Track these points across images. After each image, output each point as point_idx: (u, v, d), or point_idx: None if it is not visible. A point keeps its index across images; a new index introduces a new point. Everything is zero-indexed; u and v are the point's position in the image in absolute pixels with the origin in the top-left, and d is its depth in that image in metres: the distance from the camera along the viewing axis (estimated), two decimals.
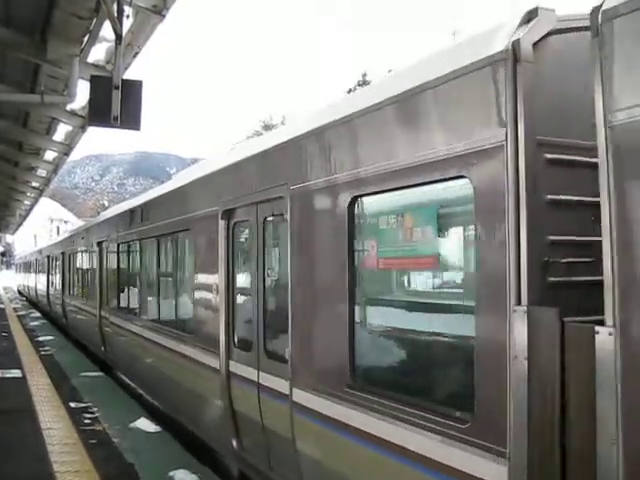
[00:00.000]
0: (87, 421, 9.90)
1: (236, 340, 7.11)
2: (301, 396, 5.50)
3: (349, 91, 39.22)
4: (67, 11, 9.85)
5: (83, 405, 11.01)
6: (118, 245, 13.69)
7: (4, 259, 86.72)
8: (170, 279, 10.42)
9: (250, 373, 6.60)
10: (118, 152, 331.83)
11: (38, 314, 32.79)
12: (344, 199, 4.93)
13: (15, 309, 36.39)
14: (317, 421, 5.25)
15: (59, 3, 9.69)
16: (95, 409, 10.70)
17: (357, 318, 4.97)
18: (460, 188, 3.93)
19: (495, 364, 3.51)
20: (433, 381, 4.54)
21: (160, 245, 10.62)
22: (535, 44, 3.51)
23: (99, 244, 15.71)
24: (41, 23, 10.68)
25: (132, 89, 8.93)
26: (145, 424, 9.70)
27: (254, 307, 6.65)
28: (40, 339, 21.26)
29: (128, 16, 9.29)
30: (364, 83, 45.67)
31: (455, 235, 4.43)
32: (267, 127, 55.13)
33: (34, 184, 26.31)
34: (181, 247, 9.70)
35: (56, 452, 8.17)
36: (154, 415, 10.51)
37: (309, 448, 5.52)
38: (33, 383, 12.87)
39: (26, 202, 32.85)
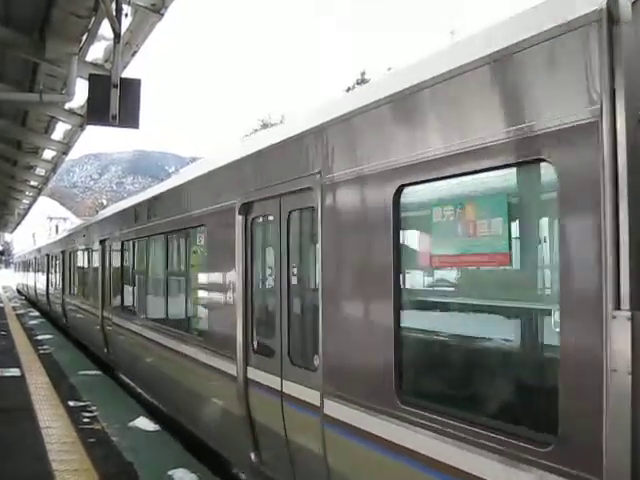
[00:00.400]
0: (86, 420, 9.90)
1: (255, 345, 6.56)
2: (334, 409, 4.93)
3: (348, 90, 39.26)
4: (66, 10, 9.84)
5: (82, 404, 11.00)
6: (122, 243, 13.17)
7: (3, 258, 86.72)
8: (180, 278, 9.84)
9: (272, 381, 6.04)
10: (117, 151, 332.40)
11: (37, 313, 32.77)
12: (389, 189, 4.33)
13: (14, 308, 36.38)
14: (354, 437, 4.68)
15: (58, 2, 9.68)
16: (94, 408, 10.69)
17: (405, 322, 4.37)
18: (539, 173, 3.45)
19: (586, 378, 3.04)
20: (504, 396, 3.93)
21: (169, 242, 10.04)
22: (634, 3, 3.02)
23: (102, 242, 15.31)
24: (40, 22, 10.68)
25: (131, 88, 8.93)
26: (144, 423, 9.69)
27: (277, 309, 6.06)
28: (39, 338, 21.24)
29: (127, 15, 9.30)
30: (363, 82, 45.68)
31: (532, 228, 3.87)
32: (265, 126, 55.18)
33: (33, 183, 26.31)
34: (193, 244, 9.03)
35: (55, 451, 8.16)
36: (153, 414, 10.51)
37: (343, 465, 4.97)
38: (32, 382, 12.86)
39: (25, 201, 32.85)
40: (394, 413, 4.22)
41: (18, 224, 48.08)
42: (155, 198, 10.85)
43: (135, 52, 10.83)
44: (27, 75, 13.19)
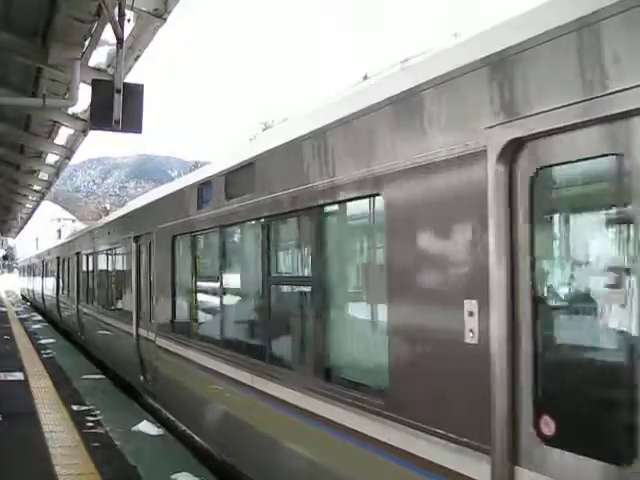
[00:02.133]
0: (89, 424, 9.90)
1: (551, 425, 3.19)
2: None
3: None
4: (68, 15, 9.89)
5: (85, 408, 11.01)
6: (173, 238, 9.61)
7: (6, 262, 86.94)
8: (303, 288, 6.19)
9: None
10: (120, 155, 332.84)
11: (40, 317, 32.82)
12: None
13: (17, 312, 36.45)
14: None
15: (60, 7, 9.73)
16: (97, 412, 10.69)
17: None
18: None
19: None
20: None
21: (271, 232, 6.54)
22: None
23: (136, 239, 11.97)
24: (42, 27, 10.74)
25: (133, 93, 8.94)
26: (147, 427, 9.69)
27: None
28: (42, 342, 21.27)
29: (129, 20, 9.33)
30: None
31: None
32: (267, 129, 55.19)
33: (36, 187, 26.39)
34: (339, 231, 5.77)
35: (58, 455, 8.17)
36: (156, 418, 10.52)
37: None
38: (35, 386, 12.88)
39: (28, 205, 32.98)
40: None
41: (21, 229, 48.26)
42: (244, 166, 7.07)
43: (138, 57, 10.87)
44: (30, 80, 13.27)
